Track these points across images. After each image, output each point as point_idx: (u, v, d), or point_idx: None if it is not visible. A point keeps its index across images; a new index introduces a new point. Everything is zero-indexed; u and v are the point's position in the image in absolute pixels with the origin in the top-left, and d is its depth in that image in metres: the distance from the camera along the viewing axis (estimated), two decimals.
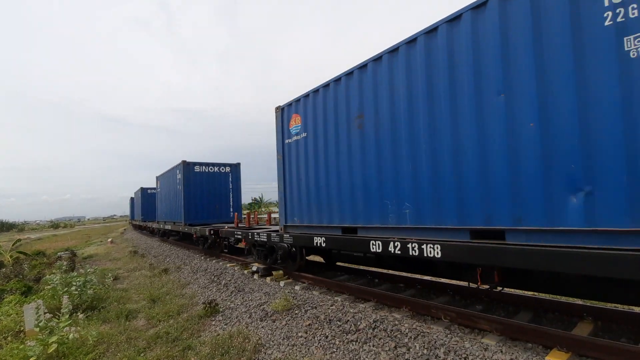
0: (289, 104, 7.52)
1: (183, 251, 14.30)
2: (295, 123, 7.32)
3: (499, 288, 4.73)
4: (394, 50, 5.06)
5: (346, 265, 8.11)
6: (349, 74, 5.86)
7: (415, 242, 4.57)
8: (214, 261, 10.95)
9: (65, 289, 7.11)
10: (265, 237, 8.01)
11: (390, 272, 6.98)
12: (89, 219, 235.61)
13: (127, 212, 43.58)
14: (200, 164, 14.64)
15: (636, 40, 2.94)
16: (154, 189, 22.38)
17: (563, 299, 4.94)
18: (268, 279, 7.76)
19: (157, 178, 19.13)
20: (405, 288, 6.25)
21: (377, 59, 5.32)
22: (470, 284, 4.96)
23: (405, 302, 5.17)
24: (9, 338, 5.36)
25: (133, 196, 34.14)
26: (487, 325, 4.16)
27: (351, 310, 5.07)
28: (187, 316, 6.19)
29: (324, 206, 6.46)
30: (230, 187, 14.23)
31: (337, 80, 6.11)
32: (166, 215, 17.48)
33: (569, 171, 3.35)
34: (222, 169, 14.79)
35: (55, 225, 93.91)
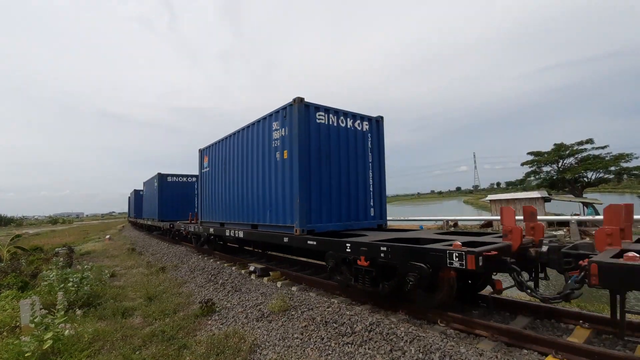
0: (203, 149, 12.26)
1: (180, 249, 14.28)
2: (204, 162, 12.21)
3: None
4: (233, 134, 9.77)
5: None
6: (225, 139, 10.34)
7: (239, 230, 9.07)
8: (211, 260, 10.94)
9: (62, 285, 7.10)
10: (192, 228, 13.04)
11: None
12: (87, 216, 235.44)
13: (126, 209, 43.62)
14: (172, 175, 19.94)
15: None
16: (180, 175, 22.30)
17: (559, 305, 4.94)
18: (265, 279, 7.76)
19: (144, 183, 23.21)
20: None
21: (231, 135, 9.85)
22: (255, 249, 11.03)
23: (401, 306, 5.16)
24: (5, 333, 5.35)
25: (139, 188, 34.46)
26: (483, 330, 4.18)
27: (347, 313, 5.07)
28: (183, 315, 6.18)
29: (216, 211, 11.08)
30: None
31: (222, 140, 10.59)
32: (148, 214, 23.05)
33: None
34: (190, 179, 19.53)
35: (53, 221, 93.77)
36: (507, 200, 24.69)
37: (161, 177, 19.25)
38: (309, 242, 6.47)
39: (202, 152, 12.41)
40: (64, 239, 26.62)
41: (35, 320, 4.75)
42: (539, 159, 36.58)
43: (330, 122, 7.44)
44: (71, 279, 7.20)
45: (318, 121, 7.19)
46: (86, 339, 4.95)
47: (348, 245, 5.54)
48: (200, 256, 11.99)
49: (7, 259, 13.39)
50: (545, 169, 36.82)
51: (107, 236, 25.30)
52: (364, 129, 8.13)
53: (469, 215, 35.46)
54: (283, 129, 7.34)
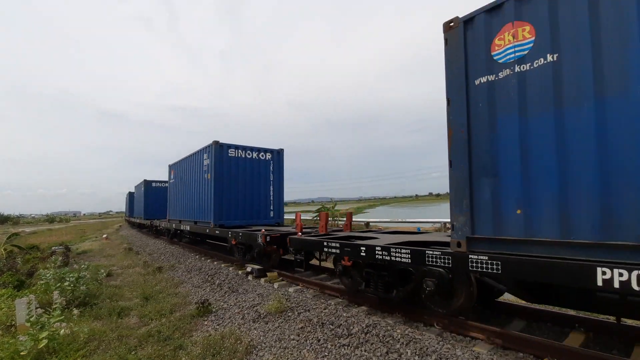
0: (171, 165, 15.96)
1: (179, 250, 14.27)
2: (172, 174, 16.28)
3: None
4: (186, 158, 13.86)
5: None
6: (182, 160, 14.17)
7: (187, 225, 13.23)
8: (208, 261, 10.94)
9: (58, 284, 7.07)
10: (164, 224, 17.60)
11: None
12: (84, 214, 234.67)
13: (124, 208, 43.36)
14: (156, 182, 22.48)
15: None
16: (161, 182, 23.64)
17: (556, 309, 4.96)
18: (262, 280, 7.75)
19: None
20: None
21: (185, 158, 13.79)
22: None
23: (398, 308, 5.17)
24: (0, 332, 5.33)
25: (133, 191, 32.57)
26: (479, 333, 4.19)
27: (344, 314, 5.07)
28: (179, 315, 6.17)
29: (176, 211, 15.28)
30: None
31: (181, 160, 14.61)
32: (137, 213, 25.47)
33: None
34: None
35: (50, 219, 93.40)
36: None
37: (146, 183, 23.68)
38: (216, 231, 10.50)
39: (170, 167, 16.38)
40: (60, 238, 26.51)
41: (31, 319, 4.73)
42: None
43: (239, 155, 11.34)
44: (67, 279, 7.17)
45: (229, 155, 11.16)
46: (82, 339, 4.93)
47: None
48: (197, 256, 11.99)
49: (3, 258, 13.33)
50: None
51: (104, 235, 25.22)
52: (267, 158, 12.00)
53: None
54: (208, 159, 11.27)
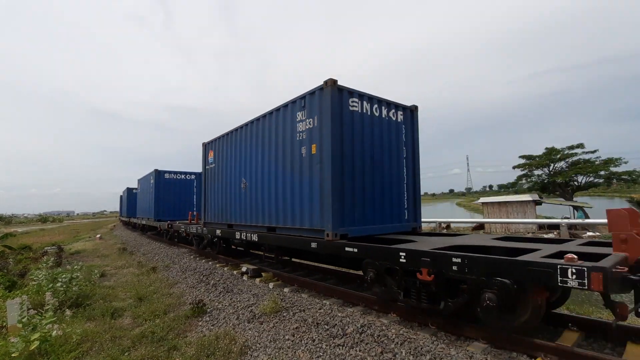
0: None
1: (172, 250, 14.17)
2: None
3: None
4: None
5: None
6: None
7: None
8: (203, 261, 10.87)
9: (51, 285, 7.00)
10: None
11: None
12: (78, 214, 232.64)
13: (118, 208, 43.05)
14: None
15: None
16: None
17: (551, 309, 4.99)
18: (257, 280, 7.73)
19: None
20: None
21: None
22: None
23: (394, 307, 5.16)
24: None
25: (132, 186, 32.85)
26: (473, 333, 4.20)
27: (339, 314, 5.07)
28: (173, 316, 6.13)
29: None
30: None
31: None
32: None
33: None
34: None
35: (43, 219, 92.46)
36: (499, 203, 24.89)
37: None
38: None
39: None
40: (53, 238, 26.27)
41: (22, 320, 4.67)
42: (530, 162, 36.99)
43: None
44: (60, 279, 7.10)
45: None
46: (74, 340, 4.88)
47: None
48: (192, 257, 11.91)
49: None
50: (537, 172, 37.24)
51: (98, 235, 25.02)
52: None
53: (461, 218, 35.71)
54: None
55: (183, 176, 18.69)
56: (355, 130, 6.28)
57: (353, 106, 6.27)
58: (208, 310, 6.25)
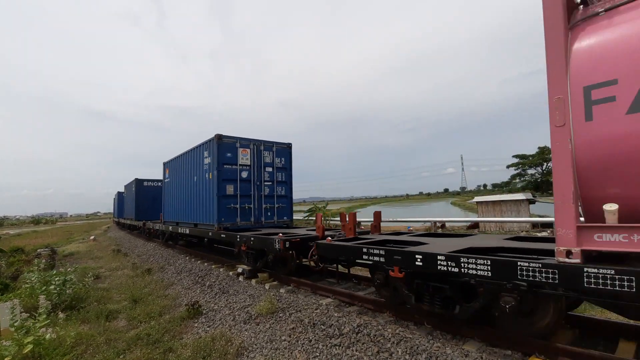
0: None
1: (167, 251, 14.10)
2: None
3: None
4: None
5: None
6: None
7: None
8: (198, 262, 10.83)
9: (44, 287, 6.92)
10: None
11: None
12: (71, 216, 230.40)
13: (112, 209, 42.56)
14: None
15: None
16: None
17: None
18: (253, 281, 7.71)
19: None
20: None
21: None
22: None
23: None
24: None
25: (122, 190, 30.42)
26: (468, 332, 4.22)
27: (335, 315, 5.07)
28: (169, 317, 6.09)
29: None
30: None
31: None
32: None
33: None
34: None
35: (36, 221, 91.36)
36: (494, 202, 25.06)
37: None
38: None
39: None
40: (46, 240, 25.98)
41: (15, 323, 4.62)
42: (524, 161, 37.33)
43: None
44: (53, 282, 7.02)
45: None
46: (68, 343, 4.83)
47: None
48: (187, 257, 11.86)
49: None
50: (530, 171, 37.59)
51: (92, 237, 24.80)
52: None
53: (456, 217, 35.91)
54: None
55: (158, 183, 21.01)
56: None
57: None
58: (204, 311, 6.23)
